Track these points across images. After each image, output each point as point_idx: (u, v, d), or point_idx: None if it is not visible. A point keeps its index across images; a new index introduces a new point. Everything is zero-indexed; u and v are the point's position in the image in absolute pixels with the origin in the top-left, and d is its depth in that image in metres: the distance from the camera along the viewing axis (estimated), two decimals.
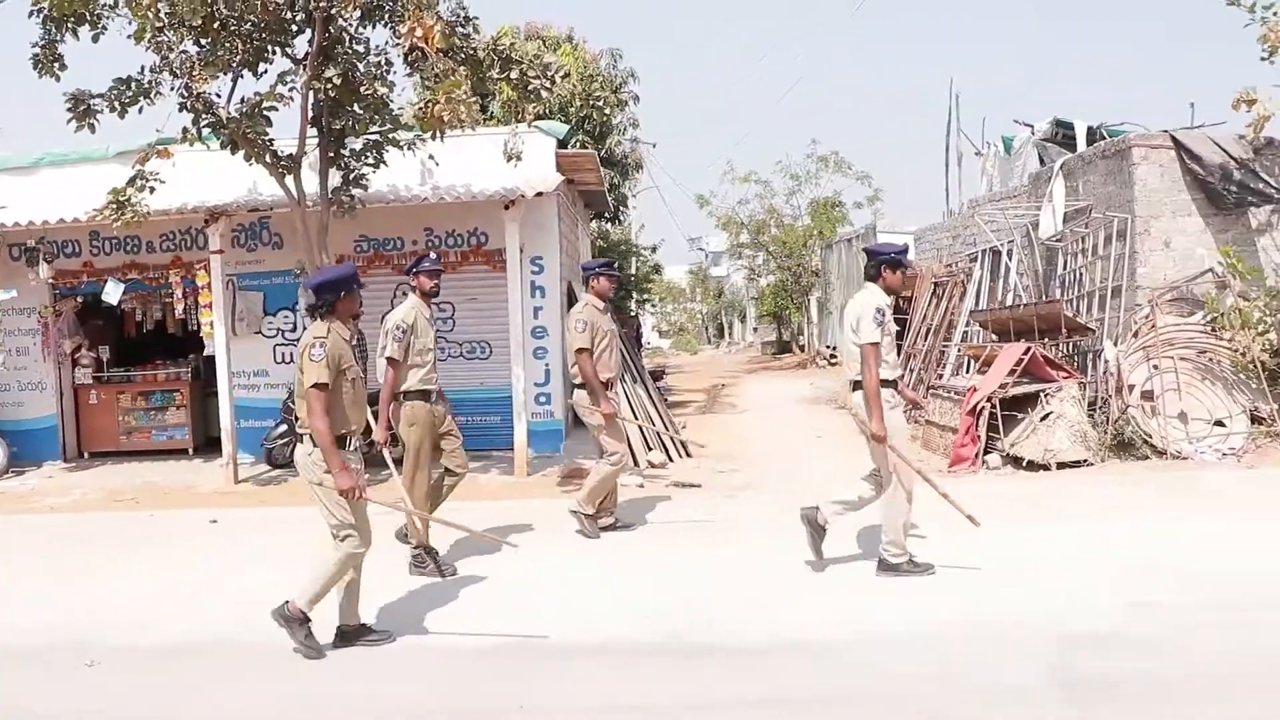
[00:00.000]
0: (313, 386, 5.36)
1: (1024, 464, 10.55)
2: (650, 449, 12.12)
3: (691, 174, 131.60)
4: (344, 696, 4.97)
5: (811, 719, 4.55)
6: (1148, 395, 10.86)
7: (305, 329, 6.81)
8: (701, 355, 48.05)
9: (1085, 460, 10.47)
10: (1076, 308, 12.55)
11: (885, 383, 6.54)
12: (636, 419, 11.59)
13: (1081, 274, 12.80)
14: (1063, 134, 16.08)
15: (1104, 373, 11.30)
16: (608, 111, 17.29)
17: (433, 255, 8.37)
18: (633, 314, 28.10)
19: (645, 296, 35.40)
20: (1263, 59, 11.00)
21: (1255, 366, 10.84)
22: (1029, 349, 11.14)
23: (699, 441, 12.22)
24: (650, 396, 13.19)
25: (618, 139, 18.51)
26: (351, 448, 5.60)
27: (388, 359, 7.23)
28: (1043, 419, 10.67)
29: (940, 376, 14.31)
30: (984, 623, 5.57)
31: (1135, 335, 11.34)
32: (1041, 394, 10.83)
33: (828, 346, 29.53)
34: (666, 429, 12.69)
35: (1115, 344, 11.38)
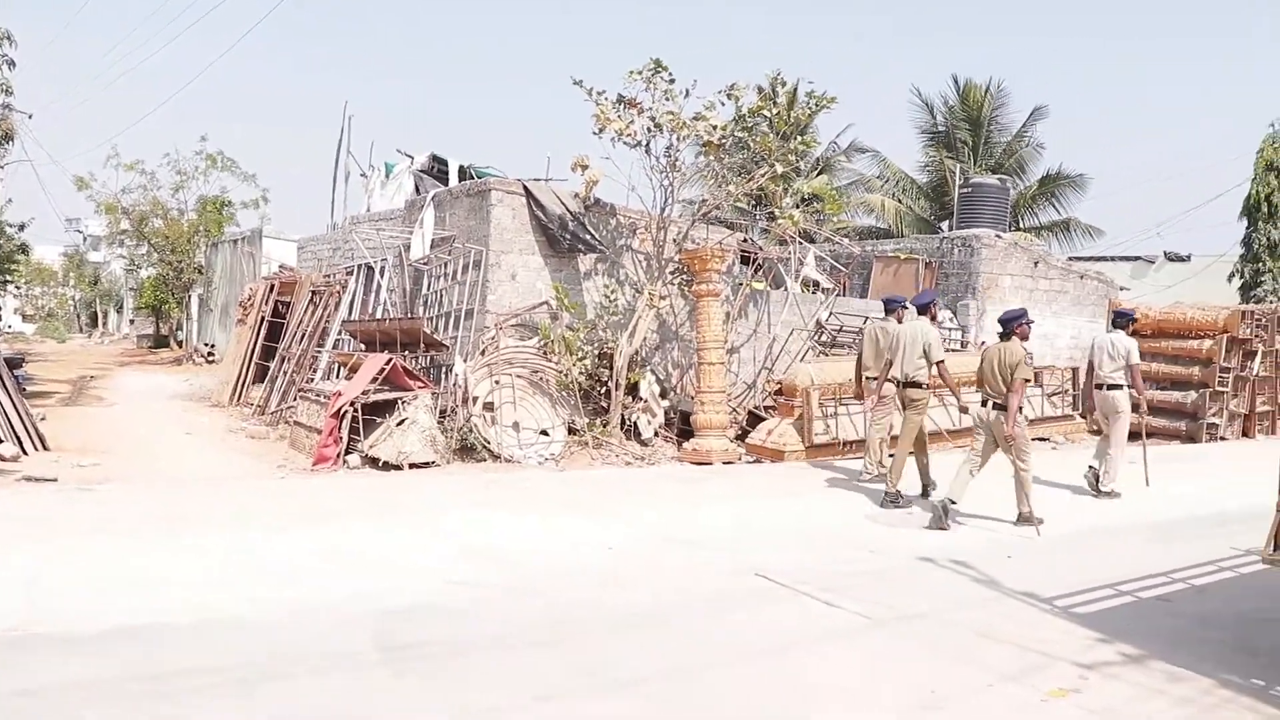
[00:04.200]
0: (1026, 380, 9.25)
1: (380, 464, 11.50)
2: (1, 440, 11.59)
3: (73, 153, 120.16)
4: None
5: (147, 699, 4.68)
6: (489, 406, 12.43)
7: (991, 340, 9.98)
8: (71, 344, 44.60)
9: (434, 462, 11.68)
10: (436, 325, 13.96)
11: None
12: None
13: (443, 295, 14.26)
14: (438, 168, 17.62)
15: (454, 385, 12.69)
16: None
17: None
18: None
19: (8, 278, 32.48)
20: (594, 133, 13.17)
21: (574, 386, 12.92)
22: (391, 360, 12.26)
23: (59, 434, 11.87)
24: (4, 384, 12.54)
25: None
26: None
27: (940, 363, 10.45)
28: (399, 424, 11.82)
29: (310, 380, 15.08)
30: (319, 603, 6.19)
31: (482, 353, 12.94)
32: (399, 401, 12.01)
33: (206, 344, 29.06)
34: (21, 419, 12.18)
35: (465, 360, 12.87)
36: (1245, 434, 18.29)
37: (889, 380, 10.99)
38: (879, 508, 10.14)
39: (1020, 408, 9.31)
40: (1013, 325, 9.54)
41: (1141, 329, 17.43)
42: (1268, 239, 26.35)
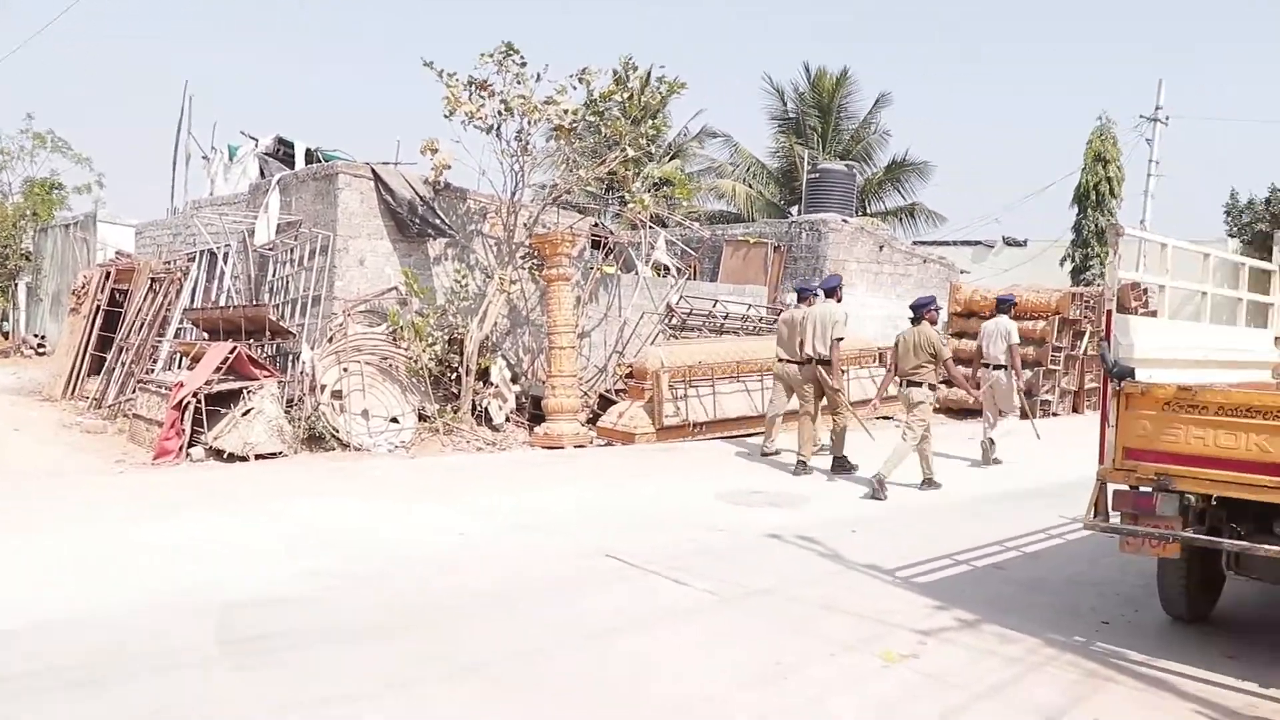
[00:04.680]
0: (948, 357, 10.70)
1: (226, 456, 11.19)
2: None
3: None
4: None
5: None
6: (337, 394, 12.23)
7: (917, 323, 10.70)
8: None
9: (281, 452, 11.44)
10: (282, 313, 13.65)
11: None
12: None
13: (289, 282, 13.94)
14: (284, 151, 17.19)
15: (301, 373, 12.43)
16: None
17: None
18: None
19: None
20: (445, 116, 13.03)
21: (424, 372, 12.82)
22: (235, 348, 11.94)
23: None
24: None
25: None
26: None
27: (837, 340, 11.26)
28: (244, 414, 11.53)
29: (151, 371, 14.57)
30: (159, 598, 6.05)
31: (330, 340, 12.72)
32: (244, 391, 11.72)
33: (35, 335, 27.73)
34: None
35: (312, 347, 12.62)
36: (1075, 410, 19.23)
37: (796, 362, 11.63)
38: (830, 471, 11.31)
39: (936, 385, 10.79)
40: (923, 311, 10.77)
41: (981, 310, 18.14)
42: (1096, 225, 27.66)
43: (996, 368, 12.49)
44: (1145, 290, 17.91)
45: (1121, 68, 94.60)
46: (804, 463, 11.23)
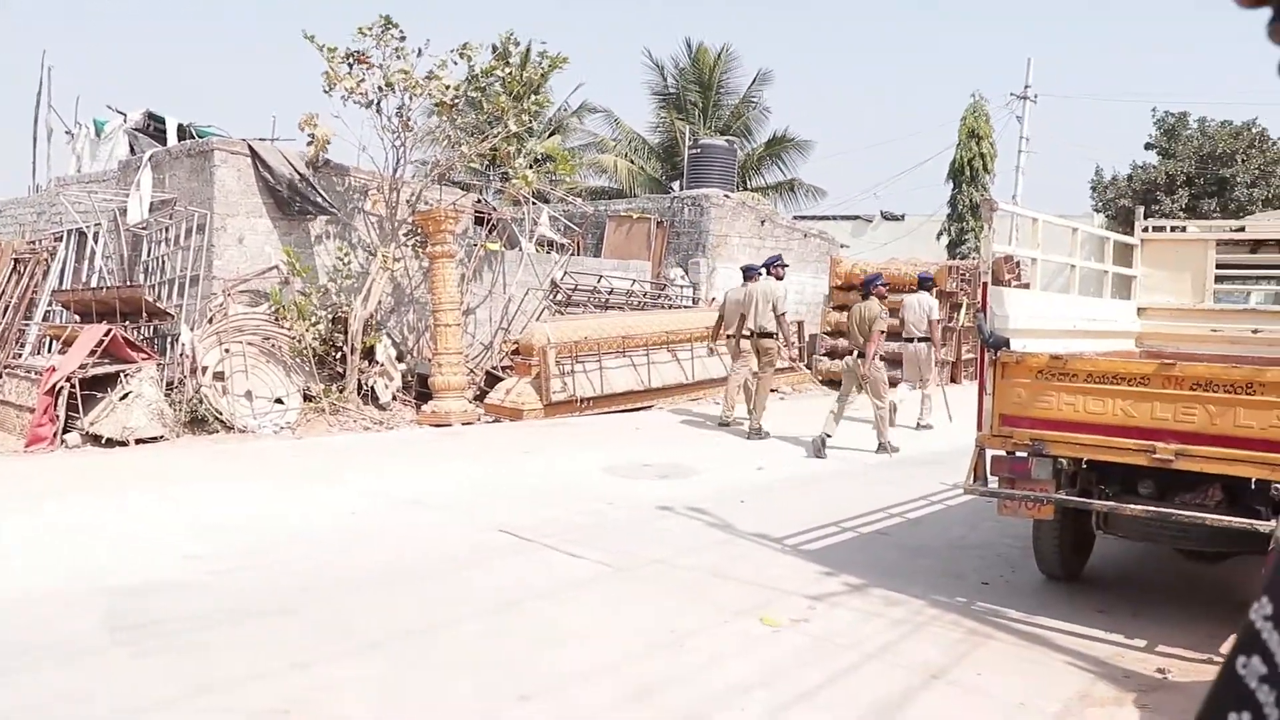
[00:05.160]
0: (881, 331, 11.07)
1: (105, 441, 10.90)
2: None
3: None
4: None
5: None
6: (219, 376, 11.97)
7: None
8: None
9: (162, 436, 11.17)
10: (159, 293, 13.27)
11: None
12: None
13: (165, 261, 13.56)
14: (155, 126, 16.66)
15: (181, 355, 12.13)
16: None
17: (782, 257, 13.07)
18: None
19: None
20: (324, 91, 12.81)
21: (308, 352, 12.63)
22: (110, 330, 11.59)
23: None
24: None
25: None
26: None
27: (781, 315, 12.18)
28: (122, 398, 11.21)
29: (18, 356, 14.06)
30: (39, 589, 5.88)
31: (210, 321, 12.43)
32: (122, 374, 11.39)
33: None
34: None
35: (192, 329, 12.32)
36: (953, 380, 19.77)
37: (745, 335, 12.38)
38: (747, 439, 11.98)
39: (878, 354, 11.32)
40: (870, 287, 11.79)
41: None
42: (970, 200, 28.47)
43: (923, 340, 13.44)
44: (1018, 263, 18.50)
45: (994, 43, 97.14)
46: (726, 421, 12.56)
